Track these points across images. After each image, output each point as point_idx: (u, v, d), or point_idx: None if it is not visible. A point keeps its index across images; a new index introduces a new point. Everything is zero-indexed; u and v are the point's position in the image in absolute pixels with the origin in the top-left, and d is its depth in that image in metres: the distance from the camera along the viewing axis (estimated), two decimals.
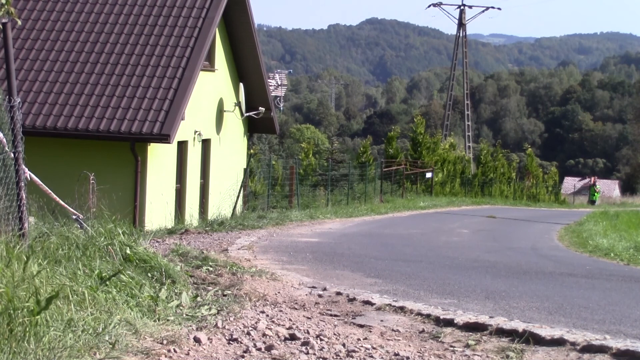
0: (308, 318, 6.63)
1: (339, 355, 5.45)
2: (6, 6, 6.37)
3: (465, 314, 6.57)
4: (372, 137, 63.69)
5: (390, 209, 27.47)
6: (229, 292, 7.34)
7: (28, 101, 18.05)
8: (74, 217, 9.00)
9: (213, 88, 21.90)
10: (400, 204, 30.56)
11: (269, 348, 5.49)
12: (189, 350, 5.27)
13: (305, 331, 6.07)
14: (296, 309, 7.02)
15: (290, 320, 6.47)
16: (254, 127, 25.82)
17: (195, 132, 20.41)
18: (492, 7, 67.81)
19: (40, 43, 19.45)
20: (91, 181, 10.38)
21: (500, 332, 5.94)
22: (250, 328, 6.03)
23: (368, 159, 38.82)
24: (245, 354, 5.33)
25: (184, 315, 6.23)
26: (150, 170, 17.93)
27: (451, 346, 5.75)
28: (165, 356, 5.05)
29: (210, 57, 21.48)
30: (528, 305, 7.57)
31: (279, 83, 40.05)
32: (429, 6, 66.86)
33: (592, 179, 67.17)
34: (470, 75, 77.01)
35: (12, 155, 6.96)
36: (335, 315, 6.80)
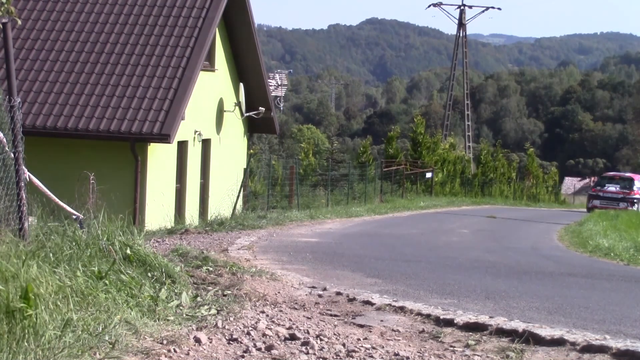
0: (308, 318, 6.62)
1: (339, 355, 5.44)
2: (6, 5, 6.37)
3: (465, 314, 6.57)
4: (372, 137, 63.69)
5: (390, 209, 27.46)
6: (229, 292, 7.34)
7: (28, 101, 18.05)
8: (74, 217, 9.00)
9: (213, 88, 21.90)
10: (400, 204, 30.54)
11: (269, 348, 5.49)
12: (189, 350, 5.27)
13: (305, 331, 6.06)
14: (296, 309, 7.02)
15: (290, 320, 6.47)
16: (254, 127, 25.82)
17: (195, 132, 20.42)
18: (492, 7, 67.77)
19: (40, 43, 19.45)
20: (91, 181, 10.37)
21: (500, 332, 5.94)
22: (250, 328, 6.02)
23: (368, 159, 38.78)
24: (245, 354, 5.33)
25: (184, 315, 6.23)
26: (150, 170, 17.94)
27: (451, 346, 5.75)
28: (165, 356, 5.05)
29: (210, 57, 21.47)
30: (528, 305, 7.56)
31: (279, 83, 39.99)
32: (429, 6, 66.81)
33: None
34: (470, 75, 76.94)
35: (12, 155, 6.97)
36: (335, 315, 6.80)
